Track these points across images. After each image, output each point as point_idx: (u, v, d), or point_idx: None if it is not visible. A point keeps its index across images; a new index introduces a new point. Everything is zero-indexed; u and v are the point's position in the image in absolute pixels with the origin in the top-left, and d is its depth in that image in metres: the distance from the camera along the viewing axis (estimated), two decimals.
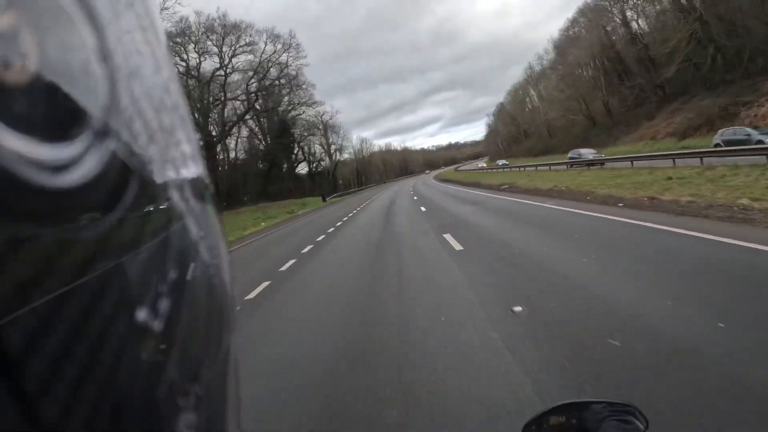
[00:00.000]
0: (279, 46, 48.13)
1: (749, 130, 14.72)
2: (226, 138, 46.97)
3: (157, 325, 0.18)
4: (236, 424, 0.26)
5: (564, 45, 50.13)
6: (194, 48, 42.82)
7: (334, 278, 5.62)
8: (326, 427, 2.13)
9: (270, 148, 54.12)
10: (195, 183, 0.25)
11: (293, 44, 49.02)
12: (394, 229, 9.96)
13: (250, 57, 47.21)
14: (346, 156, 77.44)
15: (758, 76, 25.12)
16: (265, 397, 2.46)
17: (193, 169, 0.25)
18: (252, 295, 5.26)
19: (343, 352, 2.98)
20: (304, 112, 57.21)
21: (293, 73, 50.40)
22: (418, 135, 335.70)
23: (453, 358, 2.59)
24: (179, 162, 0.23)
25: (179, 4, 45.28)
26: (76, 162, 0.15)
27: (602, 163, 20.33)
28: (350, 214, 17.37)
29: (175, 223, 0.22)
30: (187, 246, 0.23)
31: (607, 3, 41.08)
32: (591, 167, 20.04)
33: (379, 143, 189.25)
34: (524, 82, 68.98)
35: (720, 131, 16.21)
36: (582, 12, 45.45)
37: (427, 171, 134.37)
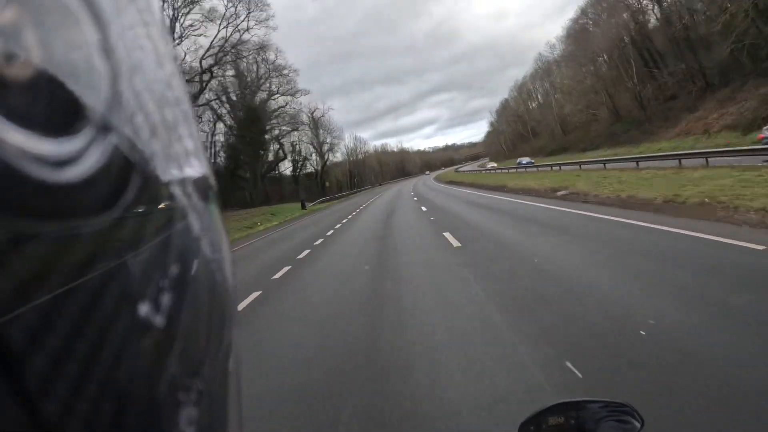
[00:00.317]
0: (240, 8, 37.35)
1: None
2: None
3: (159, 321, 0.18)
4: (237, 419, 0.26)
5: (577, 33, 44.82)
6: None
7: None
8: None
9: (233, 144, 42.48)
10: (199, 181, 0.25)
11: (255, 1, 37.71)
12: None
13: (208, 24, 35.40)
14: (338, 156, 71.00)
15: None
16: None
17: (197, 165, 0.25)
18: None
19: None
20: (287, 103, 47.44)
21: (255, 39, 39.02)
22: (415, 137, 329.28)
23: None
24: (182, 158, 0.23)
25: None
26: (78, 157, 0.15)
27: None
28: (315, 243, 11.75)
29: (179, 220, 0.22)
30: (190, 243, 0.22)
31: None
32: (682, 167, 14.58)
33: (376, 144, 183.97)
34: (531, 77, 63.88)
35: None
36: None
37: (427, 172, 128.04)
